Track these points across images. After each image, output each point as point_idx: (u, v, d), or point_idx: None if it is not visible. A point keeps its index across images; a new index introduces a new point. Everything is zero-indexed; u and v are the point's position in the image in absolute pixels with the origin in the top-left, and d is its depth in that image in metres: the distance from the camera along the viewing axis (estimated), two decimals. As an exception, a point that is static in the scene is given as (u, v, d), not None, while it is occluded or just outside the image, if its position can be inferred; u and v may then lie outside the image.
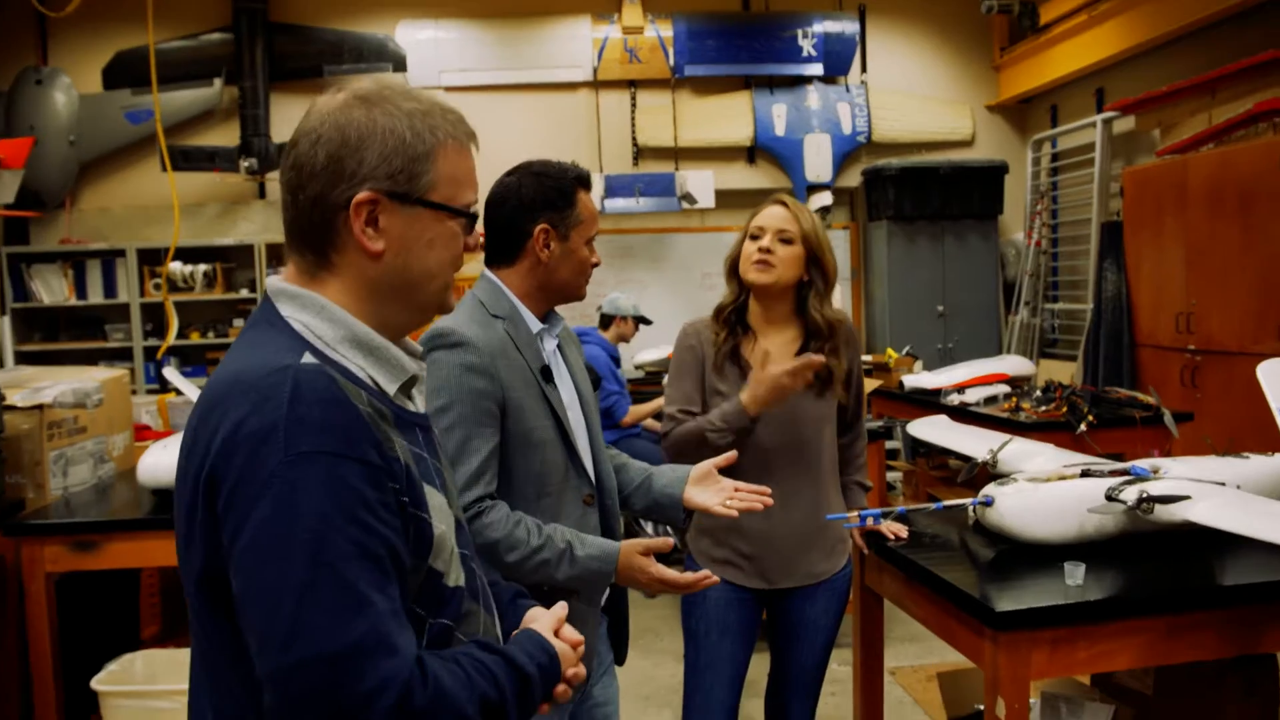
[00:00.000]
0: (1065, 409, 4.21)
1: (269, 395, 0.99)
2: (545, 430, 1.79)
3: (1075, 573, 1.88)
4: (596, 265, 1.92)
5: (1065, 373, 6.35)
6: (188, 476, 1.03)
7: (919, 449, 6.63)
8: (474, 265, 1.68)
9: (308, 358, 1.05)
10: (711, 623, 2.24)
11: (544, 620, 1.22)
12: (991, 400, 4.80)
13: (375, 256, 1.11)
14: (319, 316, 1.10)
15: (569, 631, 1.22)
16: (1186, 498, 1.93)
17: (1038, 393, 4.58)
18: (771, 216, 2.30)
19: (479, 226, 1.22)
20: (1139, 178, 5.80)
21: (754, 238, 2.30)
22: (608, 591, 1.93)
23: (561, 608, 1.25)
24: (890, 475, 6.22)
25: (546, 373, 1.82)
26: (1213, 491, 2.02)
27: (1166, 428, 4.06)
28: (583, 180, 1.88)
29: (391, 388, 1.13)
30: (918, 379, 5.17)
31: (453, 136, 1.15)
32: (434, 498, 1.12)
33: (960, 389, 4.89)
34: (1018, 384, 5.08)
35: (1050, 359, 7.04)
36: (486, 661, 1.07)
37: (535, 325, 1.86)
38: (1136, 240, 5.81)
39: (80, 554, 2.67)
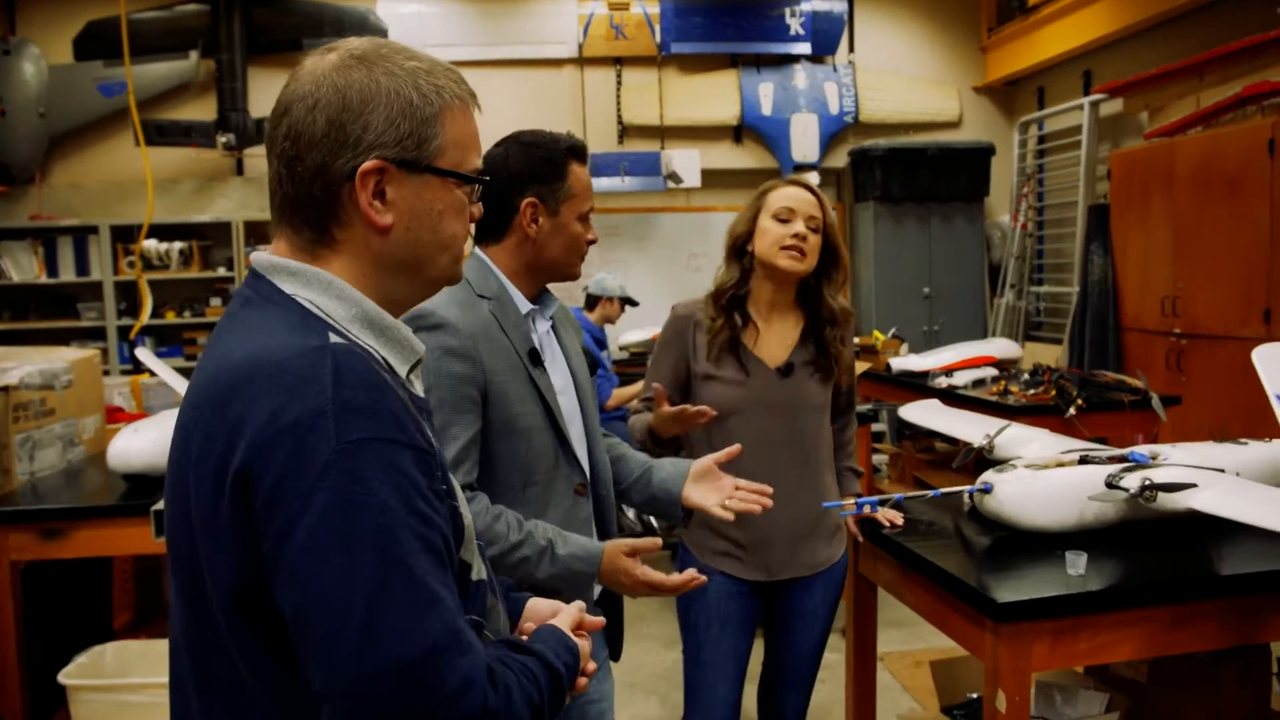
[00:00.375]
0: (1054, 392, 4.18)
1: (307, 378, 0.90)
2: (531, 416, 1.71)
3: (1077, 562, 1.83)
4: (593, 242, 1.83)
5: (1050, 355, 6.33)
6: (205, 474, 0.91)
7: (904, 431, 6.60)
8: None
9: (335, 337, 0.96)
10: (712, 616, 2.18)
11: (564, 618, 1.17)
12: (979, 383, 4.76)
13: (383, 231, 1.02)
14: (327, 294, 1.01)
15: (591, 621, 1.18)
16: (1192, 485, 1.89)
17: (1025, 376, 4.54)
18: (803, 201, 2.19)
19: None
20: (1126, 161, 5.76)
21: (782, 220, 2.18)
22: (600, 586, 1.86)
23: (579, 608, 1.19)
24: (875, 458, 6.19)
25: (534, 356, 1.74)
26: (1215, 479, 1.98)
27: (1154, 411, 4.04)
28: (576, 151, 1.79)
29: (403, 370, 1.06)
30: (905, 361, 5.13)
31: (457, 97, 1.06)
32: (456, 485, 1.06)
33: (948, 372, 4.85)
34: (1004, 367, 5.05)
35: (1035, 342, 7.02)
36: (526, 663, 1.02)
37: (525, 306, 1.78)
38: (1123, 223, 5.78)
39: (47, 542, 2.57)
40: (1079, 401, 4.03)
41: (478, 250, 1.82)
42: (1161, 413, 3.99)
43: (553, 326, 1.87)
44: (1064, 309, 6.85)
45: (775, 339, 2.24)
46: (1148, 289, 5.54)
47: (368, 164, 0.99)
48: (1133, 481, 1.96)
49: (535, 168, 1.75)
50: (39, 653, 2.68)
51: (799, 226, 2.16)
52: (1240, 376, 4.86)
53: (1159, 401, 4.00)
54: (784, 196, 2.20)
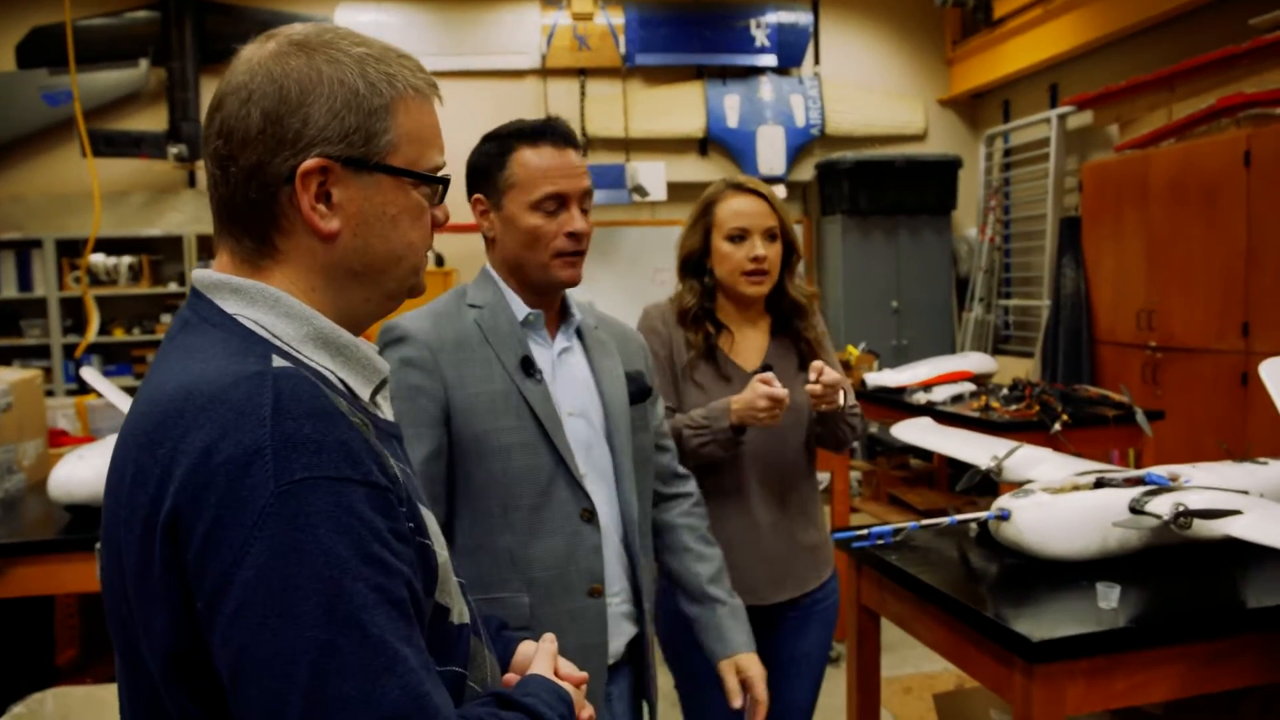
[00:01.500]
0: (1037, 408, 4.10)
1: (243, 410, 0.79)
2: (512, 433, 1.56)
3: (1109, 595, 1.71)
4: (575, 234, 1.61)
5: (1020, 369, 6.28)
6: (134, 521, 0.80)
7: (877, 448, 6.51)
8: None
9: (278, 361, 0.83)
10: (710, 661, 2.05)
11: (542, 662, 1.04)
12: (958, 399, 4.67)
13: (329, 238, 0.91)
14: (273, 312, 0.89)
15: (568, 668, 1.05)
16: (1235, 512, 1.78)
17: (1004, 391, 4.46)
18: (755, 214, 2.05)
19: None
20: (1098, 173, 5.73)
21: (735, 239, 2.05)
22: (633, 632, 1.71)
23: (550, 642, 1.07)
24: (849, 475, 6.09)
25: (528, 365, 1.59)
26: (1250, 503, 1.87)
27: (1138, 426, 3.97)
28: (527, 133, 1.61)
29: (365, 392, 0.93)
30: (880, 377, 5.03)
31: (412, 86, 0.94)
32: (429, 519, 0.93)
33: (926, 387, 4.76)
34: (980, 381, 4.97)
35: (1003, 355, 6.98)
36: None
37: (521, 312, 1.63)
38: (1096, 236, 5.75)
39: (-19, 581, 2.37)
40: (1064, 417, 3.95)
41: (487, 263, 1.70)
42: (1147, 428, 3.92)
43: (584, 345, 1.71)
44: (1033, 322, 6.82)
45: (749, 342, 2.14)
46: (1122, 302, 5.51)
47: (309, 163, 0.88)
48: (1162, 506, 1.84)
49: (478, 163, 1.63)
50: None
51: (757, 247, 2.04)
52: (1218, 390, 4.84)
53: (1144, 417, 3.93)
54: (734, 213, 2.05)
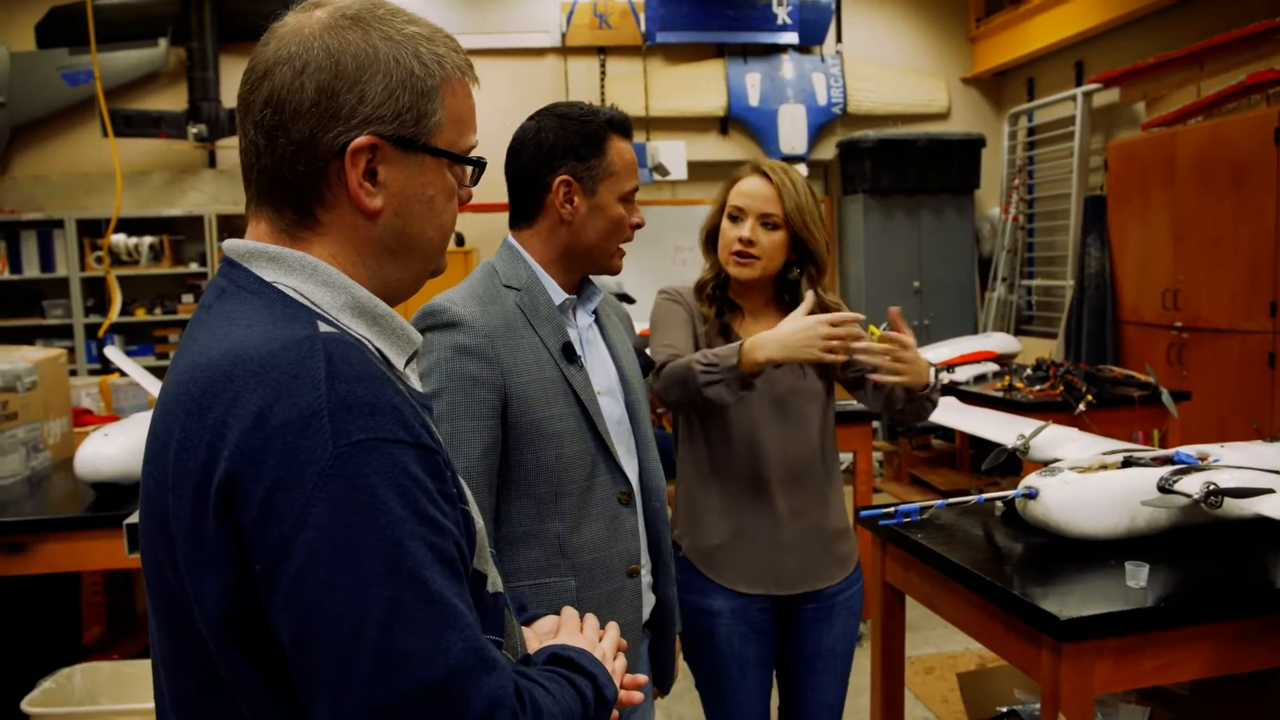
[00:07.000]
0: (1061, 388, 4.06)
1: (296, 374, 0.79)
2: (563, 419, 1.55)
3: (1138, 574, 1.69)
4: (639, 226, 1.66)
5: (1043, 349, 6.23)
6: (184, 487, 0.81)
7: (899, 427, 6.48)
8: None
9: (324, 326, 0.84)
10: (729, 661, 2.01)
11: (588, 636, 1.07)
12: (981, 379, 4.65)
13: (372, 215, 0.91)
14: (312, 280, 0.90)
15: (591, 623, 1.08)
16: (1268, 491, 1.75)
17: (1028, 371, 4.42)
18: (754, 196, 1.99)
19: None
20: (1125, 151, 5.66)
21: (733, 218, 2.01)
22: (653, 601, 1.71)
23: (572, 614, 1.10)
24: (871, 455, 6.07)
25: (569, 351, 1.58)
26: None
27: (1164, 407, 3.93)
28: (616, 124, 1.62)
29: (399, 361, 0.94)
30: (903, 357, 4.99)
31: (458, 68, 0.96)
32: (465, 488, 0.95)
33: (949, 367, 4.72)
34: (1003, 362, 4.93)
35: (1026, 335, 6.92)
36: (574, 680, 0.95)
37: (558, 296, 1.62)
38: (1121, 215, 5.68)
39: (9, 557, 2.37)
40: (1089, 398, 3.91)
41: (509, 238, 1.66)
42: (1173, 409, 3.87)
43: (598, 321, 1.71)
44: (1056, 302, 6.76)
45: (762, 329, 2.05)
46: (1147, 282, 5.44)
47: (360, 139, 0.89)
48: (1192, 485, 1.82)
49: (570, 141, 1.58)
50: (2, 676, 2.49)
51: (746, 229, 1.98)
52: (1244, 370, 4.78)
53: (1170, 397, 3.88)
54: (739, 192, 2.02)
